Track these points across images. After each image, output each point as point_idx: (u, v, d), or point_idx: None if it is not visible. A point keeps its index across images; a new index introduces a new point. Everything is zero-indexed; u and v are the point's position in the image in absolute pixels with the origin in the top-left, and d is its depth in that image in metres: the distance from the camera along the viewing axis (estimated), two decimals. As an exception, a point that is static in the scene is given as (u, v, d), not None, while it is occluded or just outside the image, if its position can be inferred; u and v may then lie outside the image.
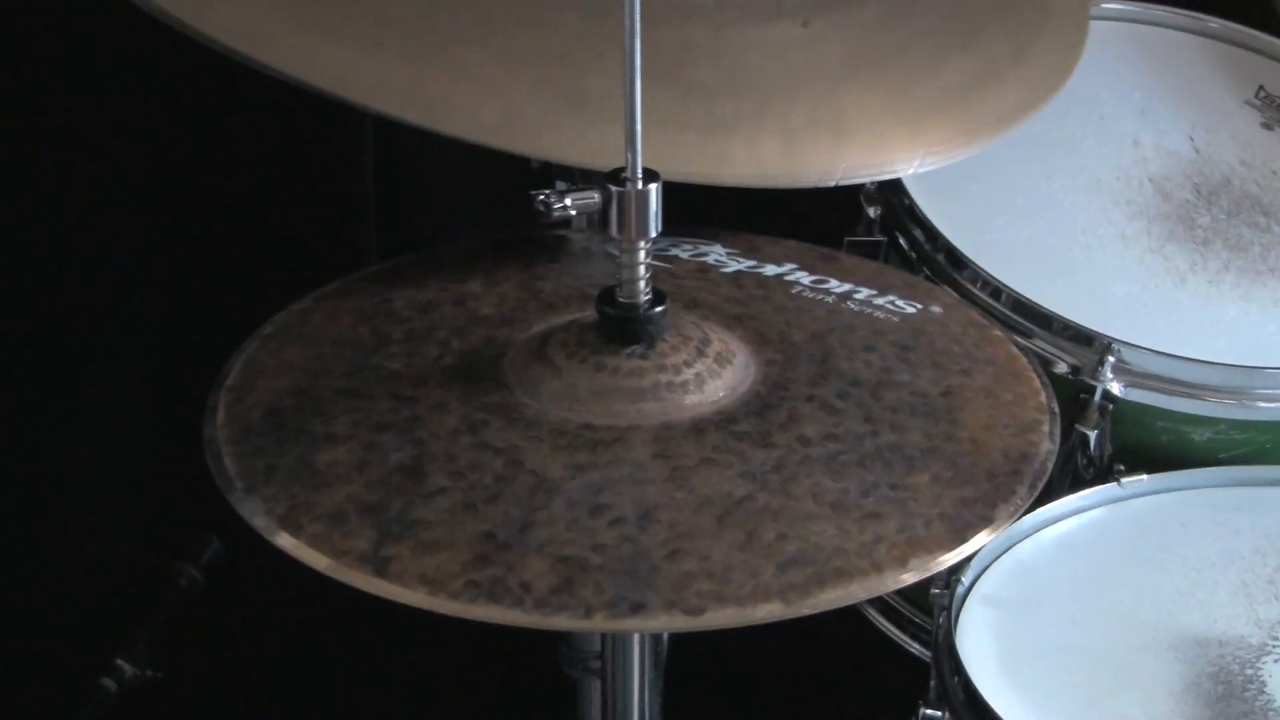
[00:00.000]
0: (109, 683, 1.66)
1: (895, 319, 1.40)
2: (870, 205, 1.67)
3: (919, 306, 1.42)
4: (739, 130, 1.43)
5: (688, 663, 1.55)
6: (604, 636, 1.43)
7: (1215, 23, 1.88)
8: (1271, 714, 1.36)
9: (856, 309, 1.40)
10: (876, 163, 1.48)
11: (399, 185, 1.92)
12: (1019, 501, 1.23)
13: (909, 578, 1.16)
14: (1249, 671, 1.40)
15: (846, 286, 1.43)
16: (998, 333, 1.41)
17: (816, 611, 1.13)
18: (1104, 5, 1.86)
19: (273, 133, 1.86)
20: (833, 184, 1.45)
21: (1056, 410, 1.32)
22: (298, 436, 1.24)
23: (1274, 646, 1.42)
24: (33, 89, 1.79)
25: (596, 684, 1.53)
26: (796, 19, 1.50)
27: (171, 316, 1.91)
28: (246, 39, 1.38)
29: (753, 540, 1.16)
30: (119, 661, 1.66)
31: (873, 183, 1.67)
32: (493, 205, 1.86)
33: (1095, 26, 1.71)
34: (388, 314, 1.38)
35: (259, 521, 1.18)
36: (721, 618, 1.11)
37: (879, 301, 1.42)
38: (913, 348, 1.36)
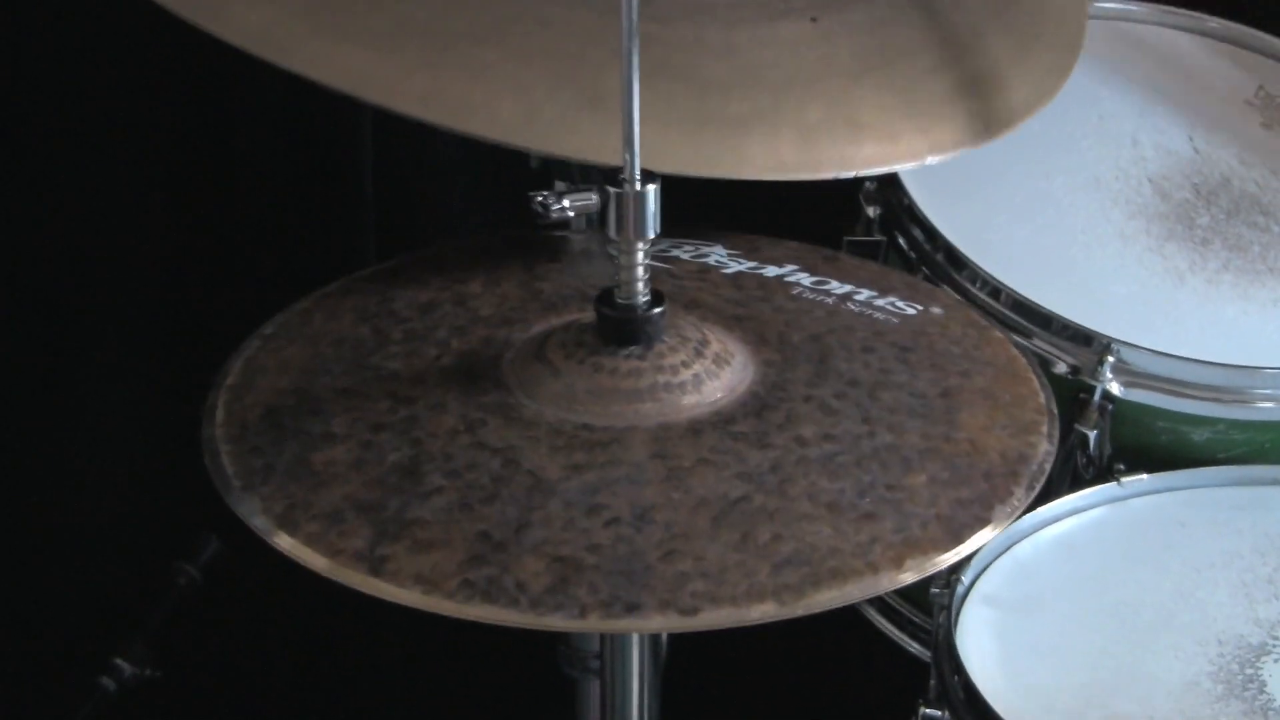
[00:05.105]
0: (107, 682, 1.66)
1: (895, 320, 1.40)
2: (869, 205, 1.67)
3: (919, 308, 1.42)
4: (756, 127, 1.43)
5: (687, 663, 1.55)
6: (603, 636, 1.43)
7: (1215, 22, 1.87)
8: (1271, 713, 1.36)
9: (857, 310, 1.40)
10: (890, 157, 1.48)
11: (398, 185, 1.92)
12: (1016, 503, 1.23)
13: (904, 579, 1.16)
14: (1249, 671, 1.40)
15: (847, 287, 1.43)
16: (998, 334, 1.41)
17: (811, 613, 1.13)
18: (1103, 5, 1.86)
19: (271, 133, 1.86)
20: (850, 177, 1.45)
21: (1055, 411, 1.32)
22: (296, 436, 1.24)
23: (1274, 646, 1.42)
24: (32, 88, 1.79)
25: (596, 684, 1.53)
26: (805, 16, 1.50)
27: (171, 316, 1.91)
28: (265, 42, 1.38)
29: (748, 541, 1.15)
30: (118, 661, 1.67)
31: (872, 182, 1.66)
32: (492, 205, 1.86)
33: (1095, 26, 1.71)
34: (388, 314, 1.38)
35: (256, 521, 1.18)
36: (716, 618, 1.11)
37: (879, 303, 1.41)
38: (912, 349, 1.36)
